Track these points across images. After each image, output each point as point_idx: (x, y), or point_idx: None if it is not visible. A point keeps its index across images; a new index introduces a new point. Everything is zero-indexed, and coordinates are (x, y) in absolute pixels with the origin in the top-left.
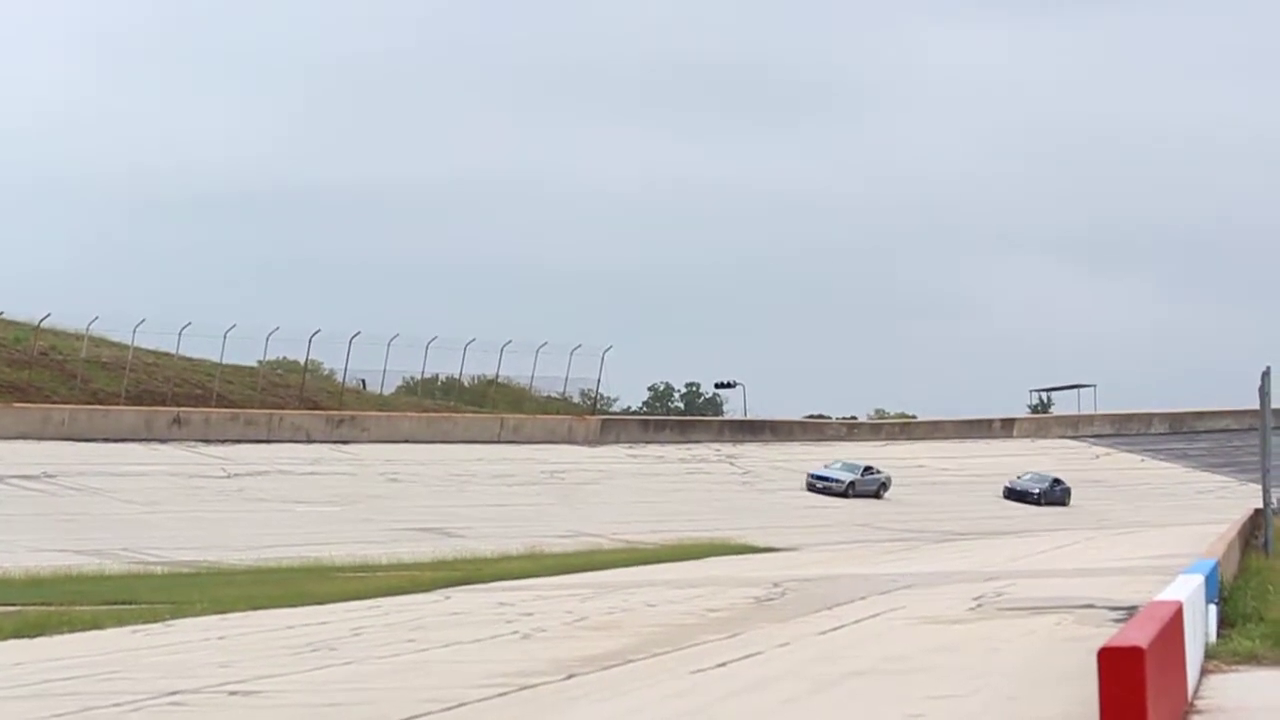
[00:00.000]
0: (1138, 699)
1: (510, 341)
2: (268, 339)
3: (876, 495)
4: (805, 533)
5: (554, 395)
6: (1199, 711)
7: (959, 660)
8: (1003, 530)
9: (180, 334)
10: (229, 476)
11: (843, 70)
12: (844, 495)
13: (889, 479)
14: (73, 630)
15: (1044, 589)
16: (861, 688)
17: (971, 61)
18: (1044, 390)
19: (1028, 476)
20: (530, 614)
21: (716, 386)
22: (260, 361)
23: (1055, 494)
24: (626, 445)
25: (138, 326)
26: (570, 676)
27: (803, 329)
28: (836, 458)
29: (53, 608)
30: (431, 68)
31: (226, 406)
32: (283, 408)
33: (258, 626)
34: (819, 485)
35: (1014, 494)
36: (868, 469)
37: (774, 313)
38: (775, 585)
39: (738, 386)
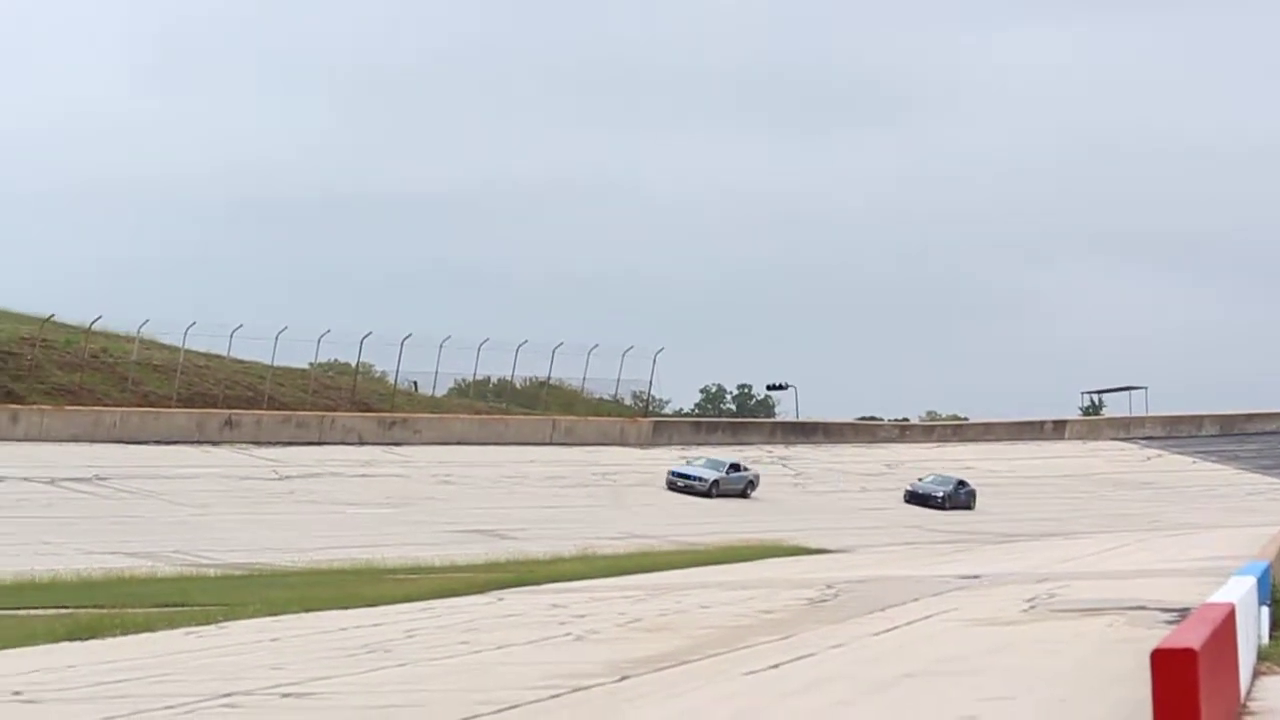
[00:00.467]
0: (1191, 700)
1: (562, 344)
2: (319, 341)
3: (743, 495)
4: (858, 534)
5: (606, 397)
6: (1251, 713)
7: (1012, 661)
8: (1053, 532)
9: (231, 336)
10: (281, 478)
11: (890, 74)
12: (707, 495)
13: (757, 477)
14: (125, 633)
15: (1096, 591)
16: (914, 689)
17: (1021, 62)
18: (1095, 392)
19: (930, 479)
20: (583, 616)
21: (768, 388)
22: (311, 364)
23: (960, 497)
24: (679, 447)
25: (189, 329)
26: (623, 678)
27: (855, 331)
28: (700, 454)
29: (105, 610)
30: (487, 71)
31: (278, 409)
32: (334, 410)
33: (311, 628)
34: (680, 484)
35: (915, 498)
36: (734, 466)
37: (827, 315)
38: (828, 587)
39: (790, 388)
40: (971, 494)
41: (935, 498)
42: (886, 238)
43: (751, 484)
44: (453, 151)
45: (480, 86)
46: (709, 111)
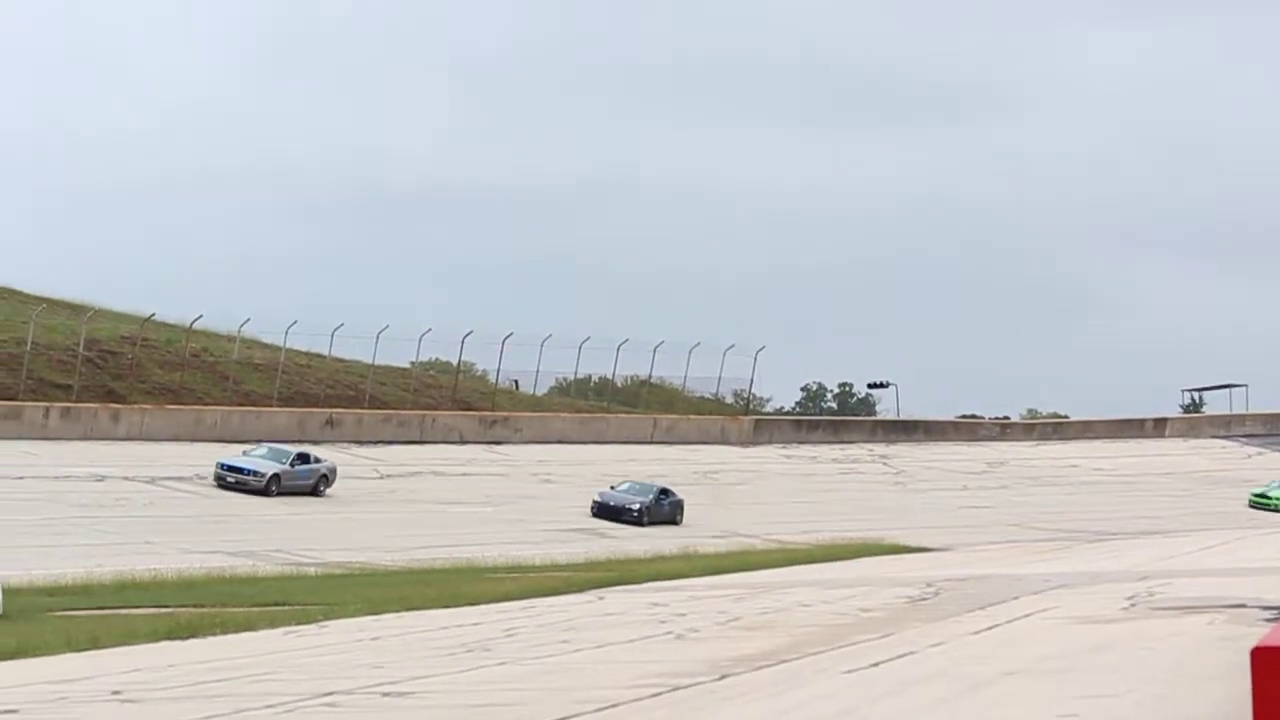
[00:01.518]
0: None
1: (663, 342)
2: (420, 340)
3: (315, 492)
4: (958, 533)
5: (707, 396)
6: None
7: (1111, 660)
8: (1151, 530)
9: (333, 335)
10: (382, 478)
11: (991, 70)
12: (264, 493)
13: (333, 470)
14: (225, 632)
15: (1196, 589)
16: (1014, 688)
17: (1120, 61)
18: (1196, 390)
19: (625, 486)
20: (683, 614)
21: (869, 386)
22: (413, 362)
23: (663, 509)
24: (780, 445)
25: (290, 328)
26: (723, 677)
27: (956, 329)
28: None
29: (205, 609)
30: (584, 65)
31: (379, 408)
32: (435, 409)
33: (411, 627)
34: (230, 479)
35: (605, 510)
36: (302, 457)
37: (927, 312)
38: (928, 585)
39: (890, 386)
40: (677, 505)
41: (630, 511)
42: (989, 235)
43: (325, 478)
44: (554, 147)
45: (575, 81)
46: (811, 107)
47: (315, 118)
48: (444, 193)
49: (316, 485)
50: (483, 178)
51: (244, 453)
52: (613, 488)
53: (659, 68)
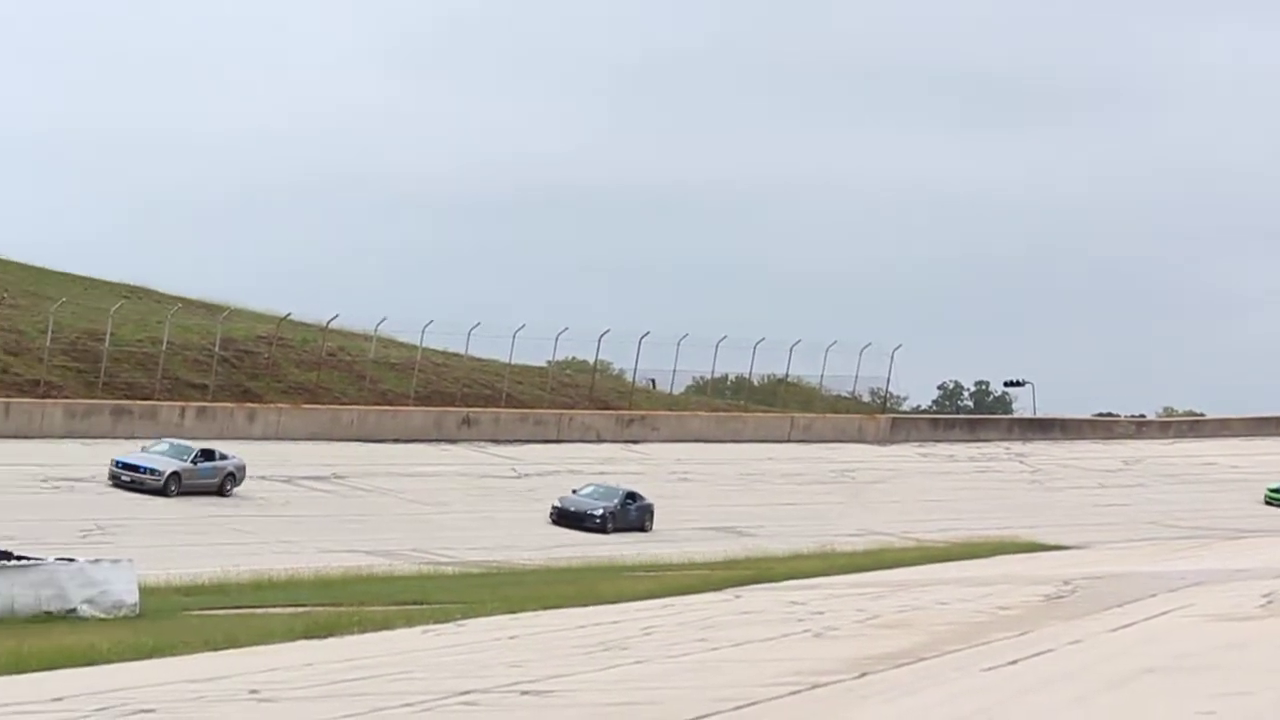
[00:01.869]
0: None
1: (800, 341)
2: (557, 339)
3: (220, 491)
4: (1095, 531)
5: (843, 394)
6: None
7: (1249, 657)
8: None
9: (469, 335)
10: (519, 476)
11: (1120, 71)
12: (162, 493)
13: (241, 468)
14: (363, 631)
15: None
16: (1152, 685)
17: (1247, 59)
18: None
19: (588, 490)
20: (821, 612)
21: (1005, 385)
22: (549, 361)
23: (630, 515)
24: (917, 444)
25: (426, 327)
26: (862, 675)
27: (1091, 326)
28: (163, 436)
29: (342, 608)
30: (716, 67)
31: (515, 407)
32: (572, 408)
33: (548, 626)
34: (125, 478)
35: (565, 517)
36: (206, 453)
37: (1063, 310)
38: (1065, 583)
39: (1026, 385)
40: (645, 510)
41: (593, 517)
42: (1118, 232)
43: (233, 476)
44: (687, 148)
45: (711, 82)
46: (935, 106)
47: (459, 118)
48: (584, 194)
49: (223, 484)
50: (614, 179)
51: (143, 448)
52: (574, 491)
53: (792, 69)
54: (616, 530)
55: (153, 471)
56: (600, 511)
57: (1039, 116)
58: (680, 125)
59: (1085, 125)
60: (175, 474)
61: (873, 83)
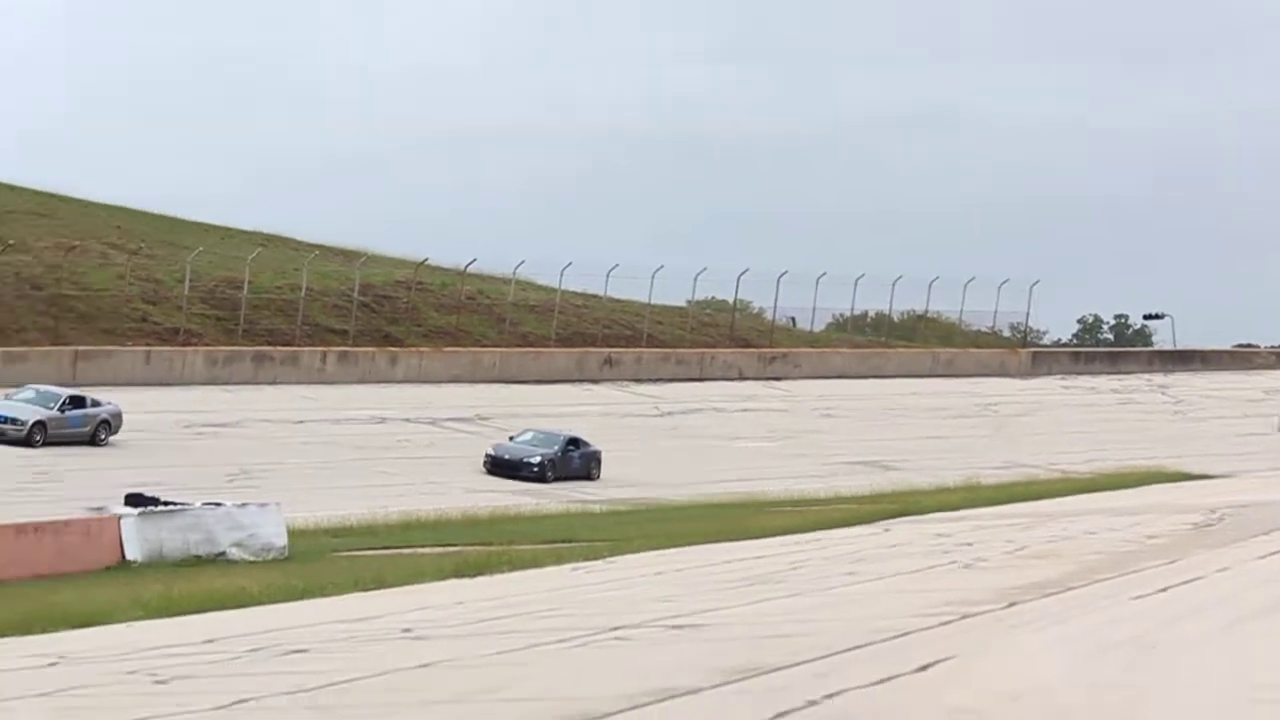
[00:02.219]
0: None
1: (938, 277)
2: (695, 279)
3: (93, 441)
4: (1239, 460)
5: (983, 330)
6: None
7: None
8: None
9: (608, 276)
10: (662, 415)
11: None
12: (27, 443)
13: (117, 414)
14: (512, 569)
15: None
16: None
17: None
18: None
19: (526, 437)
20: (969, 544)
21: (1145, 318)
22: (689, 301)
23: (573, 463)
24: (1058, 377)
25: (564, 269)
26: (1011, 605)
27: (1229, 258)
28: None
29: (492, 547)
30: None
31: (656, 346)
32: (713, 346)
33: (696, 561)
34: None
35: (500, 465)
36: (75, 400)
37: (1202, 242)
38: (1212, 511)
39: (1166, 318)
40: (591, 457)
41: (530, 465)
42: (1258, 165)
43: (107, 424)
44: (821, 90)
45: (837, 19)
46: (1061, 40)
47: (601, 63)
48: (711, 136)
49: (95, 433)
50: (749, 121)
51: (4, 396)
52: (511, 438)
53: (917, 4)
54: (557, 479)
55: (14, 421)
56: (538, 459)
57: (1181, 46)
58: (813, 67)
59: (1225, 54)
60: (40, 423)
61: (1005, 19)
